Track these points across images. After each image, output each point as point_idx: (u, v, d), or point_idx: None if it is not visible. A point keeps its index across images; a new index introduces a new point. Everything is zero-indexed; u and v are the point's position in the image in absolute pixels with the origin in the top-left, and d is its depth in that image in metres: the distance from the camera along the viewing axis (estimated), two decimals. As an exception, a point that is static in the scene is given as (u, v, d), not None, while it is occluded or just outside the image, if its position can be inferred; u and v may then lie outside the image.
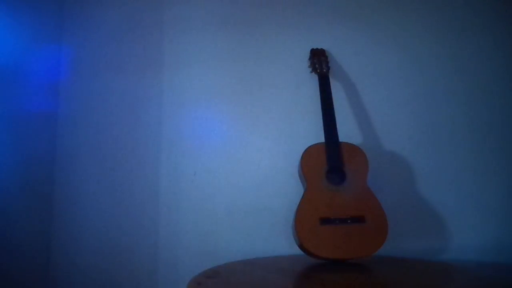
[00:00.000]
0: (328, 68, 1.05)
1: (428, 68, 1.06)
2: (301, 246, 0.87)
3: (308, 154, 0.95)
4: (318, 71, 1.05)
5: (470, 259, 0.96)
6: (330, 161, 0.93)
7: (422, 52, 1.06)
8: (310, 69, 1.07)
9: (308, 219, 0.87)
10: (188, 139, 1.16)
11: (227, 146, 1.13)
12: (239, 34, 1.17)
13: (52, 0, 1.29)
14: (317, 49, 1.09)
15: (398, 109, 1.06)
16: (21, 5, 1.15)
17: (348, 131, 1.04)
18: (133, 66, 1.23)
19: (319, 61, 1.06)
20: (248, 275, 0.82)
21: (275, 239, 1.05)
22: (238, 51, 1.17)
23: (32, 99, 1.19)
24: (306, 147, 0.96)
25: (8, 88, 1.10)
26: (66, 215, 1.22)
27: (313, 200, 0.90)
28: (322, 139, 0.96)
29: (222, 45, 1.18)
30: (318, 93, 1.02)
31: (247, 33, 1.17)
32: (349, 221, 0.87)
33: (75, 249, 1.20)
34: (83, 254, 1.19)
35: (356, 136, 1.06)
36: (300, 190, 0.94)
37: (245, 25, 1.17)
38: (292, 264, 0.93)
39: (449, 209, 0.99)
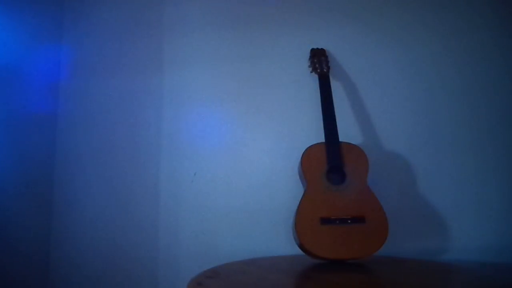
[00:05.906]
0: (328, 68, 1.05)
1: (428, 68, 1.06)
2: (301, 246, 0.87)
3: (308, 154, 0.95)
4: (318, 71, 1.05)
5: (470, 259, 0.96)
6: (330, 161, 0.93)
7: (422, 52, 1.06)
8: (310, 69, 1.07)
9: (308, 219, 0.87)
10: (188, 139, 1.16)
11: (227, 146, 1.13)
12: (239, 34, 1.17)
13: (52, 0, 1.29)
14: (317, 49, 1.09)
15: (398, 109, 1.06)
16: (21, 5, 1.15)
17: (348, 131, 1.04)
18: (133, 66, 1.23)
19: (319, 61, 1.06)
20: (248, 275, 0.82)
21: (275, 239, 1.05)
22: (238, 51, 1.17)
23: (32, 99, 1.19)
24: (306, 147, 0.96)
25: (8, 88, 1.10)
26: (65, 215, 1.22)
27: (313, 200, 0.90)
28: (322, 139, 0.96)
29: (222, 45, 1.18)
30: (318, 93, 1.02)
31: (247, 33, 1.17)
32: (349, 221, 0.87)
33: (75, 249, 1.20)
34: (83, 254, 1.19)
35: (356, 136, 1.06)
36: (300, 190, 0.94)
37: (245, 25, 1.17)
38: (292, 264, 0.93)
39: (449, 209, 0.99)
